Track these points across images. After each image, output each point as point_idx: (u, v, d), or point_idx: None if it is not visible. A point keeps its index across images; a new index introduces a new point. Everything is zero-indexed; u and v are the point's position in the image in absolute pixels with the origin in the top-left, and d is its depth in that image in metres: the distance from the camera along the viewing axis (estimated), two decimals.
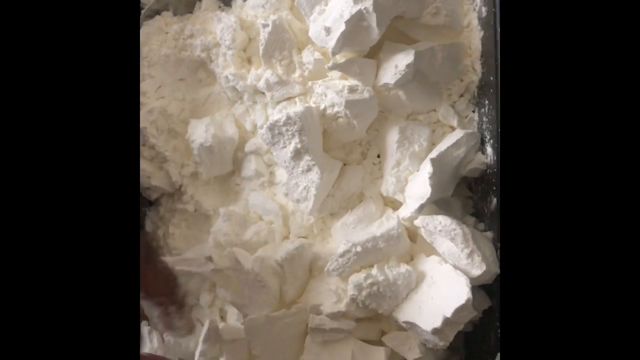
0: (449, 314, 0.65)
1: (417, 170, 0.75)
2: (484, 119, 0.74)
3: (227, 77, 0.84)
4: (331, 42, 0.74)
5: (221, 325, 0.79)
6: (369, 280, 0.70)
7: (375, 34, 0.72)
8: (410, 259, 0.75)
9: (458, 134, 0.74)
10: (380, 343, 0.75)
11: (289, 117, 0.74)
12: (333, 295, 0.72)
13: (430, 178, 0.69)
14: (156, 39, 0.89)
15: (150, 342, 0.84)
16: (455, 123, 0.76)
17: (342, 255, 0.71)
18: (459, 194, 0.78)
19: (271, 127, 0.75)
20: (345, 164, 0.81)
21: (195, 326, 0.75)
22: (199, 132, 0.85)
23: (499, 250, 0.70)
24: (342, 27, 0.72)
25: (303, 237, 0.82)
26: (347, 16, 0.71)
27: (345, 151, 0.81)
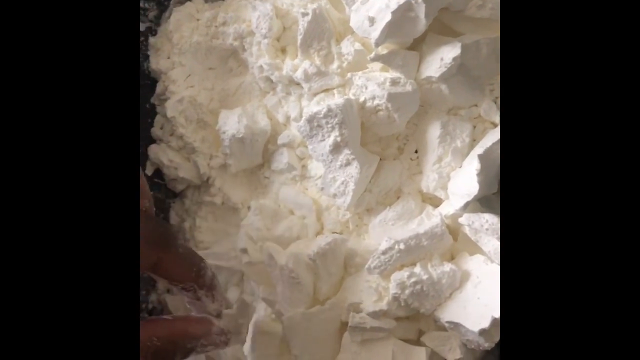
0: (498, 315, 0.63)
1: (460, 167, 0.74)
2: None
3: (261, 66, 0.82)
4: (375, 32, 0.71)
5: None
6: (413, 279, 0.68)
7: (422, 25, 0.70)
8: (451, 257, 0.73)
9: None
10: (417, 342, 0.74)
11: (329, 109, 0.71)
12: (374, 294, 0.70)
13: (478, 175, 0.68)
14: (187, 25, 0.86)
15: None
16: (497, 119, 0.75)
17: (384, 253, 0.69)
18: (498, 192, 0.76)
19: (310, 119, 0.73)
20: (381, 159, 0.79)
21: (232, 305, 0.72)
22: (231, 123, 0.82)
23: None
24: (388, 17, 0.69)
25: (338, 233, 0.79)
26: (394, 6, 0.69)
27: (382, 145, 0.79)
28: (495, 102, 0.76)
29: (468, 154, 0.74)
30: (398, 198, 0.78)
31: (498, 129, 0.74)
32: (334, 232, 0.80)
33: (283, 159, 0.83)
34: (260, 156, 0.85)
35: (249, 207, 0.85)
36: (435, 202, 0.77)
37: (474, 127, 0.76)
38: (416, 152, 0.79)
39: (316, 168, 0.82)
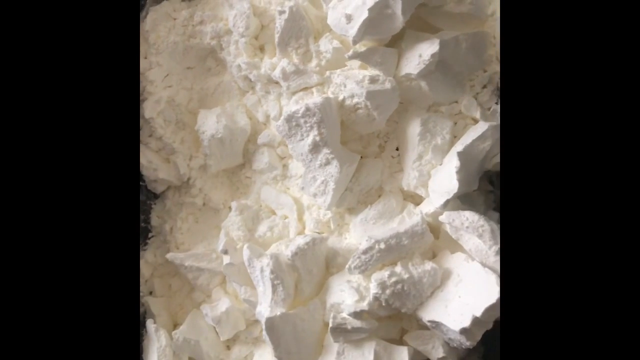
0: (478, 314, 0.63)
1: (440, 164, 0.73)
2: None
3: (239, 65, 0.81)
4: (352, 30, 0.70)
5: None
6: (393, 279, 0.67)
7: (400, 21, 0.69)
8: (433, 255, 0.73)
9: (483, 126, 0.71)
10: (401, 342, 0.73)
11: (307, 108, 0.71)
12: (355, 294, 0.69)
13: (457, 172, 0.67)
14: (164, 25, 0.85)
15: (157, 341, 0.81)
16: (478, 115, 0.74)
17: (364, 252, 0.69)
18: (480, 188, 0.76)
19: (289, 119, 0.72)
20: (362, 157, 0.78)
21: None
22: (210, 123, 0.81)
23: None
24: (365, 15, 0.69)
25: (319, 232, 0.79)
26: (370, 3, 0.68)
27: (363, 143, 0.78)
28: (476, 98, 0.75)
29: (449, 151, 0.73)
30: (379, 196, 0.77)
31: (479, 124, 0.73)
32: (315, 232, 0.79)
33: (264, 158, 0.82)
34: (240, 156, 0.84)
35: (230, 208, 0.84)
36: (417, 200, 0.76)
37: (455, 123, 0.75)
38: (397, 149, 0.78)
39: (297, 167, 0.81)
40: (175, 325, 0.86)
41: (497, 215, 0.74)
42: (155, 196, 0.91)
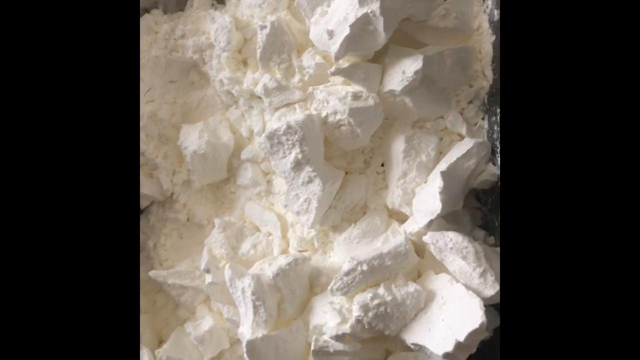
0: (461, 338, 0.61)
1: (425, 182, 0.72)
2: (495, 127, 0.71)
3: (221, 80, 0.79)
4: (334, 46, 0.69)
5: None
6: (376, 301, 0.66)
7: (382, 38, 0.68)
8: (418, 275, 0.71)
9: (468, 143, 0.70)
10: None
11: (289, 126, 0.69)
12: (337, 316, 0.68)
13: (440, 193, 0.66)
14: (145, 39, 0.83)
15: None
16: (464, 131, 0.73)
17: (347, 274, 0.67)
18: (466, 205, 0.74)
19: (270, 137, 0.71)
20: (347, 173, 0.76)
21: None
22: (192, 139, 0.80)
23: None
24: (347, 31, 0.67)
25: (303, 251, 0.77)
26: (352, 19, 0.67)
27: (347, 160, 0.77)
28: (462, 114, 0.74)
29: (434, 168, 0.72)
30: (364, 213, 0.76)
31: (464, 141, 0.72)
32: (299, 250, 0.78)
33: (247, 174, 0.81)
34: (224, 171, 0.83)
35: (214, 224, 0.83)
36: (402, 217, 0.75)
37: (441, 139, 0.74)
38: (382, 165, 0.77)
39: (281, 183, 0.80)
40: (161, 342, 0.85)
41: (483, 233, 0.73)
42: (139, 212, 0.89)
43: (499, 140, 0.69)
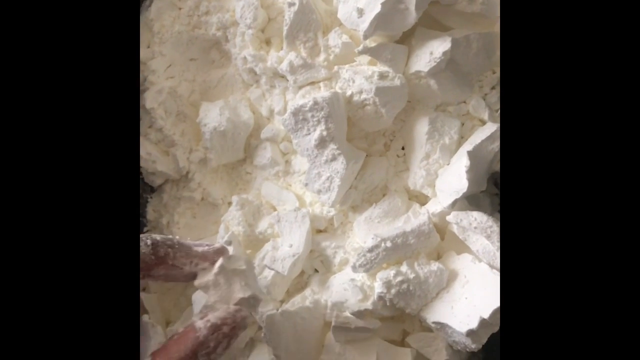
0: (486, 316, 0.61)
1: (448, 164, 0.72)
2: None
3: (245, 58, 0.79)
4: (363, 24, 0.69)
5: None
6: (399, 278, 0.66)
7: (412, 17, 0.68)
8: (438, 256, 0.72)
9: (492, 127, 0.71)
10: (402, 344, 0.72)
11: (315, 102, 0.69)
12: (359, 292, 0.68)
13: (467, 172, 0.66)
14: (169, 14, 0.83)
15: (153, 337, 0.78)
16: (486, 116, 0.73)
17: (370, 251, 0.67)
18: (486, 190, 0.75)
19: (295, 112, 0.71)
20: (367, 155, 0.77)
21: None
22: (213, 116, 0.79)
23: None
24: (378, 9, 0.68)
25: (322, 231, 0.77)
26: None
27: (368, 142, 0.77)
28: (485, 99, 0.74)
29: (456, 151, 0.72)
30: (384, 195, 0.76)
31: (488, 125, 0.72)
32: (318, 230, 0.78)
33: (266, 153, 0.81)
34: (242, 151, 0.83)
35: (229, 204, 0.82)
36: (422, 200, 0.75)
37: (463, 124, 0.74)
38: (403, 148, 0.77)
39: (300, 163, 0.79)
40: (168, 323, 0.84)
41: None
42: (152, 189, 0.89)
43: None
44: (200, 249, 0.61)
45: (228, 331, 0.57)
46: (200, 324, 0.57)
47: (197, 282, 0.61)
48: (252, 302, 0.61)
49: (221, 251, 0.61)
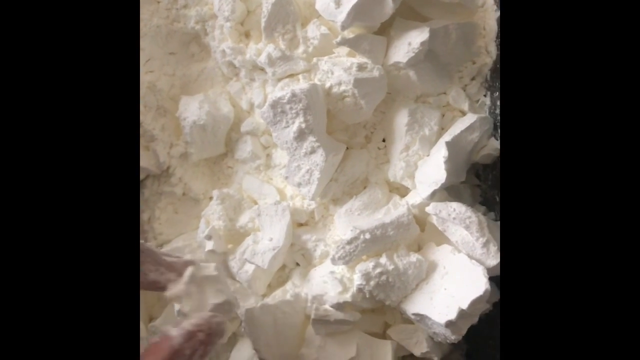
0: (465, 306, 0.61)
1: (427, 155, 0.72)
2: (497, 103, 0.71)
3: (223, 51, 0.79)
4: (341, 15, 0.69)
5: None
6: (378, 270, 0.66)
7: (390, 7, 0.68)
8: (418, 248, 0.71)
9: (471, 117, 0.70)
10: (383, 336, 0.72)
11: (294, 94, 0.69)
12: (338, 285, 0.68)
13: (445, 162, 0.66)
14: (147, 8, 0.82)
15: None
16: (466, 107, 0.73)
17: (349, 243, 0.67)
18: (467, 181, 0.75)
19: (274, 105, 0.70)
20: (348, 148, 0.76)
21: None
22: (192, 109, 0.79)
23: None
24: (354, 0, 0.67)
25: (303, 224, 0.77)
26: None
27: (349, 134, 0.77)
28: (465, 90, 0.74)
29: (436, 142, 0.72)
30: (364, 188, 0.75)
31: (467, 116, 0.72)
32: (299, 224, 0.77)
33: (247, 147, 0.80)
34: (222, 144, 0.82)
35: (210, 198, 0.82)
36: (403, 192, 0.75)
37: (443, 115, 0.74)
38: (384, 140, 0.76)
39: (281, 157, 0.79)
40: (151, 319, 0.83)
41: (483, 208, 0.73)
42: None
43: (500, 116, 0.70)
44: (168, 258, 0.60)
45: (204, 338, 0.56)
46: (174, 332, 0.56)
47: (168, 294, 0.59)
48: (226, 307, 0.60)
49: (190, 263, 0.60)
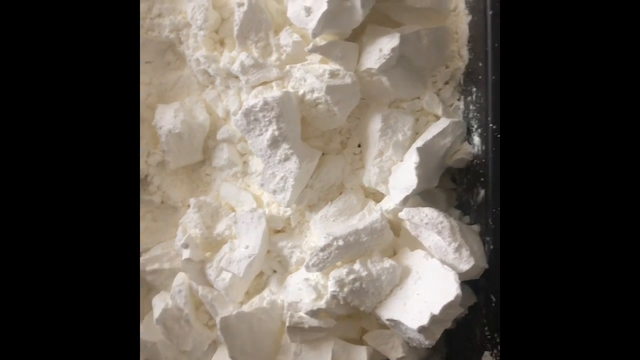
0: (436, 311, 0.61)
1: (401, 160, 0.72)
2: (470, 107, 0.71)
3: (198, 59, 0.79)
4: (311, 23, 0.69)
5: None
6: (351, 276, 0.66)
7: (359, 15, 0.68)
8: (393, 253, 0.72)
9: (444, 122, 0.71)
10: (361, 342, 0.72)
11: (266, 102, 0.69)
12: (313, 292, 0.68)
13: (416, 168, 0.66)
14: None
15: None
16: (440, 111, 0.73)
17: (322, 250, 0.67)
18: (442, 185, 0.75)
19: (247, 113, 0.70)
20: (324, 154, 0.76)
21: None
22: (167, 118, 0.79)
23: (486, 244, 0.67)
24: (324, 7, 0.67)
25: (279, 231, 0.77)
26: None
27: (324, 140, 0.77)
28: (438, 94, 0.74)
29: (409, 147, 0.72)
30: (340, 193, 0.76)
31: (440, 121, 0.72)
32: (276, 231, 0.77)
33: (223, 154, 0.80)
34: (200, 152, 0.82)
35: (188, 206, 0.82)
36: (378, 198, 0.75)
37: (417, 120, 0.74)
38: (359, 146, 0.77)
39: (257, 164, 0.79)
40: None
41: (458, 212, 0.73)
42: None
43: (475, 120, 0.70)
44: None
45: None
46: None
47: None
48: None
49: None
